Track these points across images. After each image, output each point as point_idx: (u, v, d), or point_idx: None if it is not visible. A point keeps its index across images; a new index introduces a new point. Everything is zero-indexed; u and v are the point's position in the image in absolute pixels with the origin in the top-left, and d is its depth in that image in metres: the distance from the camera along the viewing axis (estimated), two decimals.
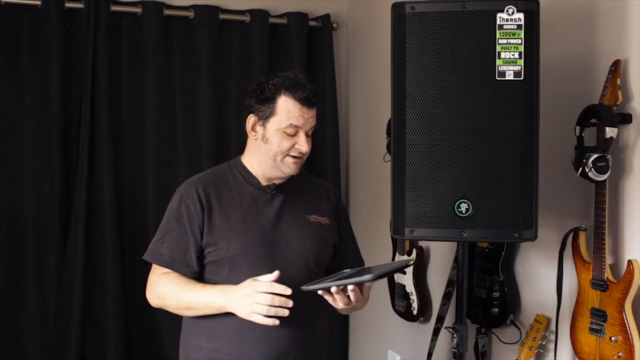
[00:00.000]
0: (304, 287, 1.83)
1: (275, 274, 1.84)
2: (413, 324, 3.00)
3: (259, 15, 3.36)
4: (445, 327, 2.38)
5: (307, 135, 1.99)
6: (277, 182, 2.06)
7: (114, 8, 3.14)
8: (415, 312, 2.93)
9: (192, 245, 1.99)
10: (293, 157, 1.99)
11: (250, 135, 2.04)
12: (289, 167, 2.01)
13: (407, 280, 2.94)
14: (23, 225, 3.06)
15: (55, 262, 3.07)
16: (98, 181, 3.11)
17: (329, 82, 3.52)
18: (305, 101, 1.96)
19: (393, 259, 3.03)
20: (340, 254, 2.17)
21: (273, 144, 1.98)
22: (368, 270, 1.86)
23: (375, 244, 3.25)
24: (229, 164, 2.13)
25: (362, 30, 3.52)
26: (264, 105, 1.97)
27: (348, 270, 1.95)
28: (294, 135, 1.97)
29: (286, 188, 2.07)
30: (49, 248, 3.07)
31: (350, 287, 1.81)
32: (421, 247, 2.94)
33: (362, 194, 3.56)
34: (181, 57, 3.27)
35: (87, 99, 3.07)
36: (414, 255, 2.91)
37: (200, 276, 2.03)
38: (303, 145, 1.97)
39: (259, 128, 2.00)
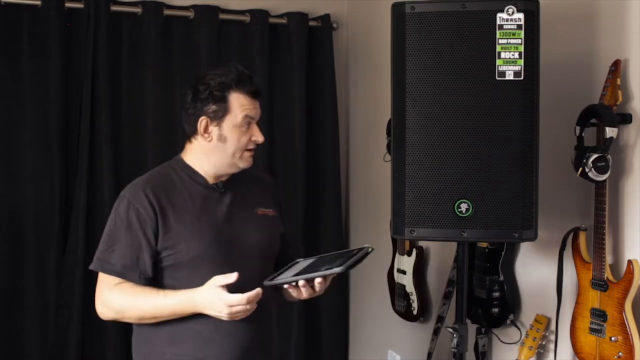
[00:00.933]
0: (267, 283, 1.83)
1: (234, 275, 1.81)
2: (413, 324, 3.00)
3: (259, 15, 3.35)
4: (445, 327, 2.39)
5: (258, 125, 2.02)
6: (223, 179, 2.05)
7: (114, 8, 3.13)
8: (415, 312, 2.93)
9: (146, 251, 1.92)
10: (249, 150, 2.01)
11: (203, 137, 1.99)
12: (246, 161, 2.02)
13: (407, 280, 2.94)
14: (23, 225, 3.06)
15: (55, 262, 3.07)
16: (98, 181, 3.10)
17: (329, 82, 3.51)
18: (255, 93, 2.00)
19: (393, 258, 3.03)
20: (285, 243, 2.18)
21: (232, 142, 1.98)
22: (326, 260, 1.86)
23: (375, 244, 3.23)
24: (170, 164, 2.08)
25: (362, 30, 3.52)
26: (216, 105, 1.96)
27: (300, 259, 1.96)
28: (248, 128, 1.99)
29: (231, 184, 2.06)
30: (49, 248, 3.07)
31: (317, 280, 1.82)
32: (421, 247, 2.94)
33: (362, 194, 3.56)
34: (181, 57, 3.27)
35: (87, 99, 3.07)
36: (413, 255, 2.91)
37: (154, 281, 1.96)
38: (259, 135, 2.00)
39: (213, 129, 1.98)
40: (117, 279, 1.95)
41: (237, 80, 1.97)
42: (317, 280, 1.82)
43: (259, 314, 1.92)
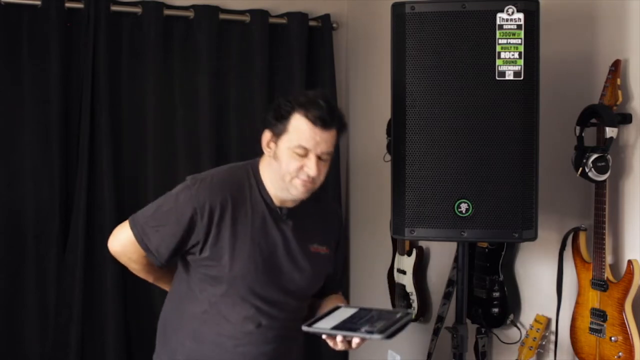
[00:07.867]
0: (305, 328, 1.74)
1: None
2: (413, 324, 2.99)
3: (259, 15, 3.35)
4: (445, 327, 2.38)
5: (319, 158, 1.87)
6: (289, 205, 1.98)
7: (114, 8, 3.13)
8: (415, 312, 2.93)
9: (174, 245, 1.94)
10: (302, 180, 1.88)
11: (266, 151, 1.96)
12: (297, 190, 1.90)
13: (407, 280, 2.94)
14: (23, 225, 3.06)
15: (55, 262, 3.07)
16: (98, 181, 3.10)
17: (329, 82, 3.51)
18: (320, 121, 1.84)
19: (393, 258, 3.03)
20: (328, 279, 2.14)
21: (282, 163, 1.88)
22: (367, 316, 1.80)
23: (375, 244, 3.25)
24: (247, 167, 2.02)
25: (362, 30, 3.52)
26: (279, 122, 1.89)
27: (341, 305, 1.88)
28: (304, 156, 1.87)
29: (295, 213, 2.00)
30: (49, 248, 3.07)
31: (356, 340, 1.77)
32: (421, 247, 2.94)
33: (362, 194, 3.56)
34: (181, 57, 3.27)
35: (87, 99, 3.06)
36: (413, 255, 2.91)
37: (198, 291, 2.00)
38: (311, 168, 1.86)
39: (272, 145, 1.92)
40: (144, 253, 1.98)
41: (304, 102, 1.86)
42: (356, 341, 1.77)
43: (278, 342, 1.98)
